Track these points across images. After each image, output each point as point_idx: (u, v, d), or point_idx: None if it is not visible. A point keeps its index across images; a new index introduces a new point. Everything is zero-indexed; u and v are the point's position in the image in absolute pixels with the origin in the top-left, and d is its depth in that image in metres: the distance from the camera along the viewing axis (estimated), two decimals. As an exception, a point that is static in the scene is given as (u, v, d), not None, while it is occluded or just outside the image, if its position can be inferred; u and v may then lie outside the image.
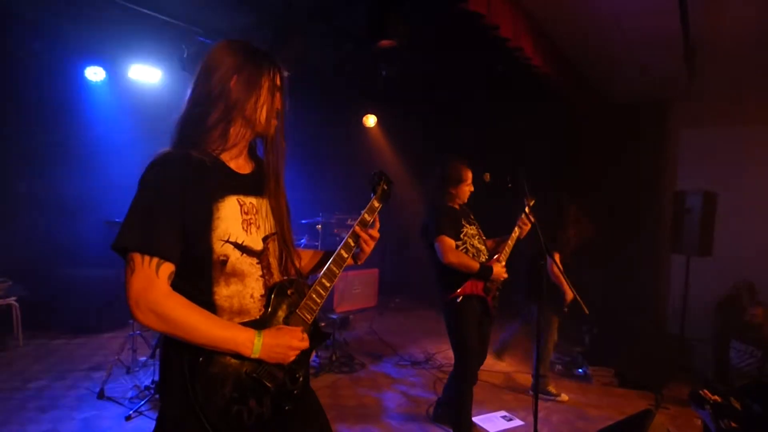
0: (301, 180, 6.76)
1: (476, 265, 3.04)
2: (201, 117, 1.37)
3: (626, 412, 3.56)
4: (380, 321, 6.34)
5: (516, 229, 3.20)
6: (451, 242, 3.07)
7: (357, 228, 1.61)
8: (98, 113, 5.47)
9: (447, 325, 3.19)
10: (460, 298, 3.08)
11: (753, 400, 2.61)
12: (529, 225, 3.17)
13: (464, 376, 3.13)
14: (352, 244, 1.59)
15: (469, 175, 3.27)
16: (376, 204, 1.67)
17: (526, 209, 3.11)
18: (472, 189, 3.31)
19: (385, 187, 1.71)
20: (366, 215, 1.64)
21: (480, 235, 3.30)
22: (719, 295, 4.76)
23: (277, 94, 1.44)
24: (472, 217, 3.36)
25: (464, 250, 3.13)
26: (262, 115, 1.41)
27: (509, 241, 3.21)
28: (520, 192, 2.97)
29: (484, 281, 3.10)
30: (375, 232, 1.65)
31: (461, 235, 3.15)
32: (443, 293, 3.15)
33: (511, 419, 3.64)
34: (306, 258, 1.74)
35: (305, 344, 1.42)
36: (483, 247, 3.24)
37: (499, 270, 3.11)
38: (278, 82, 1.44)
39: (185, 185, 1.27)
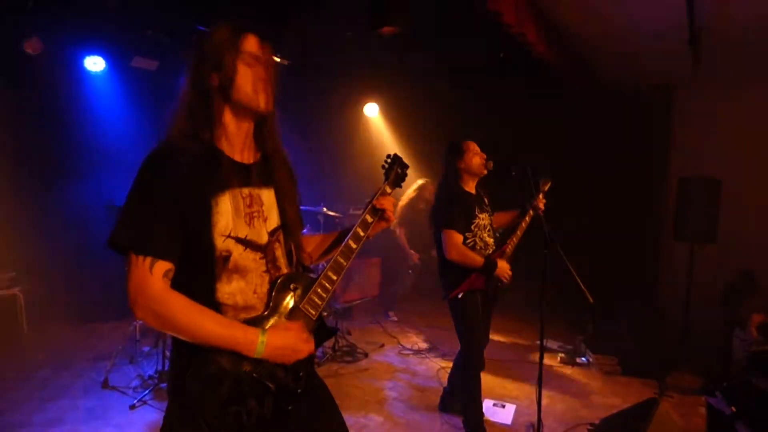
0: (302, 169, 6.74)
1: (480, 261, 2.94)
2: (192, 109, 1.34)
3: (630, 401, 3.56)
4: (383, 310, 6.34)
5: (526, 218, 3.13)
6: (458, 238, 2.96)
7: (367, 216, 1.55)
8: (98, 103, 5.45)
9: (452, 317, 3.12)
10: (461, 294, 2.98)
11: (759, 374, 2.60)
12: (543, 205, 3.12)
13: (470, 365, 3.08)
14: (362, 234, 1.53)
15: (471, 144, 3.12)
16: (388, 189, 1.62)
17: (544, 188, 3.17)
18: (484, 156, 3.12)
19: (399, 171, 1.66)
20: (375, 202, 1.58)
21: (491, 227, 3.16)
22: (723, 283, 4.73)
23: (256, 66, 1.35)
24: (487, 202, 3.20)
25: (472, 244, 3.02)
26: (247, 91, 1.33)
27: (518, 231, 3.12)
28: (524, 181, 2.95)
29: (487, 276, 2.98)
30: (388, 200, 1.59)
31: (472, 227, 3.03)
32: (445, 286, 3.09)
33: (512, 406, 3.64)
34: (313, 244, 1.69)
35: (310, 346, 1.37)
36: (491, 241, 3.12)
37: (504, 267, 2.99)
38: (252, 51, 1.35)
39: (180, 180, 1.23)
